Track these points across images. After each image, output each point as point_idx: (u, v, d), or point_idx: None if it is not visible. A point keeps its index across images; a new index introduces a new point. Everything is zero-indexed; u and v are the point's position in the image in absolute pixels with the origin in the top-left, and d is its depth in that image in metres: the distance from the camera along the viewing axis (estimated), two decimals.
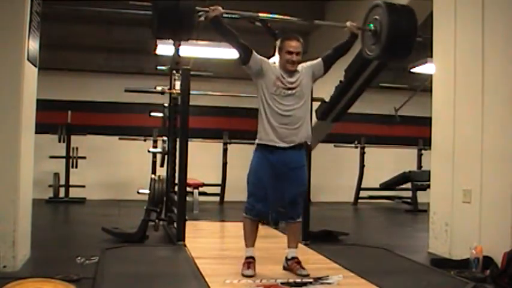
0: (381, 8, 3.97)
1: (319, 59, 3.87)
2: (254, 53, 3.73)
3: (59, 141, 8.78)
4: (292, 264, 3.78)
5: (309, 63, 3.85)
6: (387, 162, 10.28)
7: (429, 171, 5.38)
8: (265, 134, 3.70)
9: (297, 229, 3.93)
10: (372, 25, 4.01)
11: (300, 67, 3.78)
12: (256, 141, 3.77)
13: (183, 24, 3.55)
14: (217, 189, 9.32)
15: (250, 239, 3.79)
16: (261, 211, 3.76)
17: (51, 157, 8.63)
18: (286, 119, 3.68)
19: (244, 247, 3.81)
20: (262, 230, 5.05)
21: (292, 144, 3.71)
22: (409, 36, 3.98)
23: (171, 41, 6.22)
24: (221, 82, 8.79)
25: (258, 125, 3.77)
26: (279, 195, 3.77)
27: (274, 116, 3.68)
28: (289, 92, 3.70)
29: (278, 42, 3.81)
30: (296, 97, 3.71)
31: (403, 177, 9.59)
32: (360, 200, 9.89)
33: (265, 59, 3.78)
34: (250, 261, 3.71)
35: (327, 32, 8.52)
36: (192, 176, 6.30)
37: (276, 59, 5.26)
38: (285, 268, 3.84)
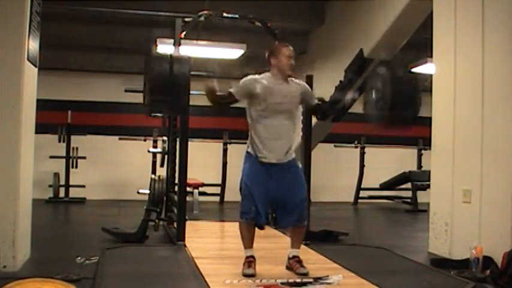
0: (381, 76, 3.97)
1: (314, 100, 3.97)
2: (237, 92, 3.75)
3: (59, 141, 8.78)
4: (292, 263, 3.79)
5: (305, 86, 3.94)
6: (387, 162, 10.27)
7: (429, 171, 5.37)
8: (256, 147, 3.76)
9: (301, 233, 3.92)
10: (373, 92, 3.99)
11: (297, 80, 3.86)
12: (247, 149, 3.83)
13: (178, 101, 3.49)
14: (217, 189, 9.32)
15: (248, 241, 3.79)
16: (256, 214, 3.71)
17: (51, 157, 8.63)
18: (275, 133, 3.73)
19: (243, 249, 3.80)
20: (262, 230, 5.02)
21: (281, 161, 3.75)
22: (412, 105, 3.96)
23: (171, 41, 6.21)
24: (221, 82, 8.78)
25: (248, 133, 3.84)
26: (278, 199, 3.78)
27: (263, 129, 3.73)
28: (279, 107, 3.72)
29: (268, 52, 3.81)
30: (286, 112, 3.75)
31: (403, 177, 9.59)
32: (360, 200, 9.88)
33: (249, 81, 3.75)
34: (250, 261, 3.71)
35: (327, 32, 8.53)
36: (192, 176, 6.30)
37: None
38: (287, 267, 3.85)
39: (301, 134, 4.80)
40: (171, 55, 3.56)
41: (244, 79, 3.79)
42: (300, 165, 4.01)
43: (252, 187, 3.71)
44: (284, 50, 3.76)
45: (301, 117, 4.28)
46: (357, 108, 8.92)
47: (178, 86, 3.40)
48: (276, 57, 3.76)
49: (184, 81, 3.47)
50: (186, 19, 5.57)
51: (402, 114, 3.90)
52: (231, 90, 3.75)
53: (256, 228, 3.81)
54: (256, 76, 3.79)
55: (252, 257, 3.74)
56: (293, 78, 3.84)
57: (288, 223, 3.84)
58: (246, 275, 3.60)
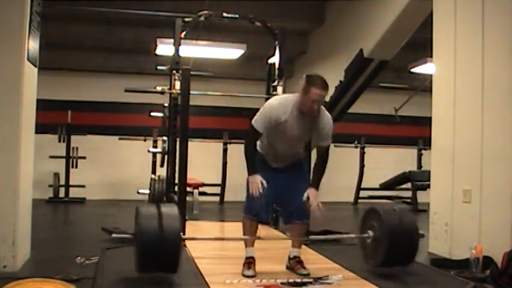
0: (377, 215, 3.92)
1: (325, 140, 3.70)
2: (262, 130, 3.63)
3: (59, 141, 8.78)
4: (293, 263, 3.79)
5: (327, 124, 3.66)
6: (387, 162, 10.28)
7: (429, 171, 5.37)
8: (263, 152, 3.79)
9: (302, 230, 3.92)
10: (370, 232, 3.95)
11: (324, 118, 3.65)
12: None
13: (168, 262, 3.47)
14: (217, 189, 9.32)
15: (249, 239, 3.78)
16: (260, 210, 3.74)
17: (51, 157, 8.63)
18: (283, 156, 3.77)
19: (244, 247, 3.81)
20: (263, 230, 5.02)
21: (284, 165, 3.79)
22: (411, 242, 3.87)
23: (171, 41, 6.22)
24: (221, 82, 8.79)
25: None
26: (281, 197, 3.81)
27: (272, 150, 3.75)
28: (293, 140, 3.71)
29: (303, 83, 3.54)
30: (300, 144, 3.80)
31: (403, 177, 9.59)
32: (360, 200, 9.89)
33: (273, 112, 3.59)
34: (250, 262, 3.72)
35: (326, 32, 8.53)
36: (192, 176, 6.31)
37: (275, 59, 5.25)
38: (288, 267, 3.85)
39: None
40: (159, 209, 3.56)
41: (265, 111, 3.61)
42: (305, 165, 4.00)
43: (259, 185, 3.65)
44: (313, 92, 3.47)
45: None
46: (357, 108, 9.00)
47: (168, 245, 3.42)
48: (304, 94, 3.52)
49: (176, 239, 3.49)
50: (186, 19, 5.57)
51: (398, 258, 3.83)
52: (254, 124, 3.61)
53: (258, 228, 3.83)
54: (280, 101, 3.65)
55: (252, 258, 3.74)
56: (321, 114, 3.66)
57: (288, 220, 3.87)
58: (245, 276, 3.60)
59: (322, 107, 3.66)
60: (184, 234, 4.77)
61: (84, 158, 8.92)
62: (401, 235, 3.78)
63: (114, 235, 3.76)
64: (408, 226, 3.86)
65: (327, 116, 3.67)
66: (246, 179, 3.79)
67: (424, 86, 8.93)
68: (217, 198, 9.32)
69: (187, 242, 4.72)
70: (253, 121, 3.62)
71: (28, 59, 3.90)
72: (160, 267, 3.45)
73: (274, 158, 3.79)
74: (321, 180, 3.75)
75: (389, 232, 3.77)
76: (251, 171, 3.63)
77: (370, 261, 3.95)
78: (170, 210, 3.65)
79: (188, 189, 6.61)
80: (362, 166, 9.91)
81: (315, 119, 3.61)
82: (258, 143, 3.77)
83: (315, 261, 4.17)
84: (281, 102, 3.65)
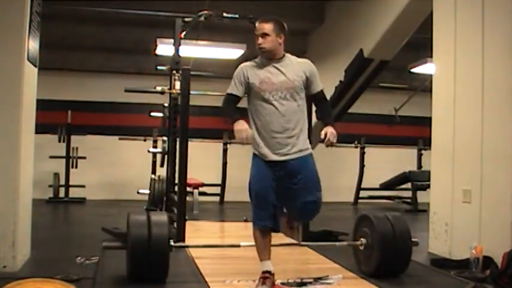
0: (370, 223, 3.89)
1: (314, 84, 3.43)
2: (238, 93, 3.41)
3: (59, 141, 8.78)
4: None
5: (307, 66, 3.46)
6: (387, 162, 10.27)
7: (429, 171, 5.37)
8: (257, 145, 3.37)
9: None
10: (363, 240, 3.93)
11: (293, 59, 3.44)
12: (252, 149, 3.44)
13: (157, 268, 3.48)
14: (217, 189, 9.32)
15: (263, 251, 3.37)
16: (269, 220, 3.34)
17: (51, 157, 8.63)
18: (272, 126, 3.32)
19: (259, 261, 3.42)
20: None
21: (288, 157, 3.34)
22: (404, 250, 3.83)
23: (171, 41, 6.23)
24: (221, 82, 8.76)
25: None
26: (288, 199, 3.41)
27: (263, 123, 3.34)
28: (270, 93, 3.32)
29: None
30: (280, 99, 3.32)
31: (403, 177, 9.59)
32: (360, 200, 9.88)
33: (241, 72, 3.42)
34: (266, 277, 3.31)
35: (326, 32, 8.53)
36: (192, 176, 6.30)
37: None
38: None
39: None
40: (149, 218, 3.57)
41: (234, 74, 3.44)
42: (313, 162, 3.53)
43: (262, 193, 3.33)
44: (255, 28, 3.38)
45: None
46: (357, 108, 9.00)
47: (157, 252, 3.45)
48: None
49: (164, 246, 3.51)
50: (186, 19, 5.57)
51: (391, 266, 3.80)
52: (228, 91, 3.41)
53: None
54: (246, 62, 3.48)
55: (269, 272, 3.32)
56: (292, 57, 3.44)
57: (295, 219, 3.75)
58: None
59: (293, 56, 3.47)
60: (184, 235, 4.78)
61: (84, 158, 8.92)
62: (393, 243, 3.75)
63: (104, 243, 3.75)
64: (401, 234, 3.82)
65: (299, 58, 3.46)
66: (247, 187, 3.43)
67: (424, 86, 8.94)
68: (217, 198, 9.32)
69: (187, 242, 4.72)
70: (227, 91, 3.44)
71: (28, 59, 3.90)
72: (148, 276, 3.44)
73: (267, 137, 3.33)
74: (331, 115, 3.55)
75: (381, 240, 3.75)
76: (233, 119, 3.28)
77: (364, 268, 3.93)
78: (159, 218, 3.62)
79: (188, 189, 6.61)
80: (362, 166, 9.91)
81: (278, 59, 3.37)
82: (254, 137, 3.34)
83: (315, 261, 4.18)
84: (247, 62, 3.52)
